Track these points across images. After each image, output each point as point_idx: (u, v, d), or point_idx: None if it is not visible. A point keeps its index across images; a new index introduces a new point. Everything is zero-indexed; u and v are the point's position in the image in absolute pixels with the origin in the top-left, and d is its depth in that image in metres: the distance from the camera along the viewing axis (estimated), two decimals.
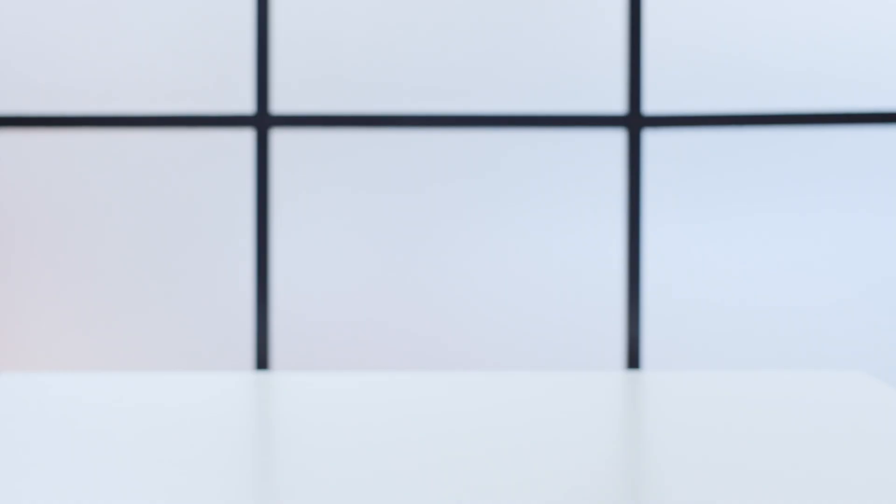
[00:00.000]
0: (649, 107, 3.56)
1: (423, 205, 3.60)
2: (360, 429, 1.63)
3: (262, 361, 3.57)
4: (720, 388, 1.94)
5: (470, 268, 3.60)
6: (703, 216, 3.58)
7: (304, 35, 3.60)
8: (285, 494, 1.28)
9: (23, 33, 3.60)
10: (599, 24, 3.58)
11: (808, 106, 3.56)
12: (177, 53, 3.60)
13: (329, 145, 3.57)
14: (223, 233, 3.58)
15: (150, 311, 3.59)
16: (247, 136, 3.58)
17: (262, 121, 3.56)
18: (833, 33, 3.57)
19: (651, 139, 3.56)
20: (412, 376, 2.07)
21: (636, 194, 3.54)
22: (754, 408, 1.78)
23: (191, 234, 3.56)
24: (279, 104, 3.59)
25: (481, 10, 3.60)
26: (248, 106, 3.58)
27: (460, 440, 1.55)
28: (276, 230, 3.57)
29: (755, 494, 1.26)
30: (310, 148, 3.56)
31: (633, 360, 3.57)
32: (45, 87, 3.60)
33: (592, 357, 3.60)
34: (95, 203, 3.55)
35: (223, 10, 3.60)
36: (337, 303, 3.60)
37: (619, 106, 3.57)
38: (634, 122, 3.54)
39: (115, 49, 3.60)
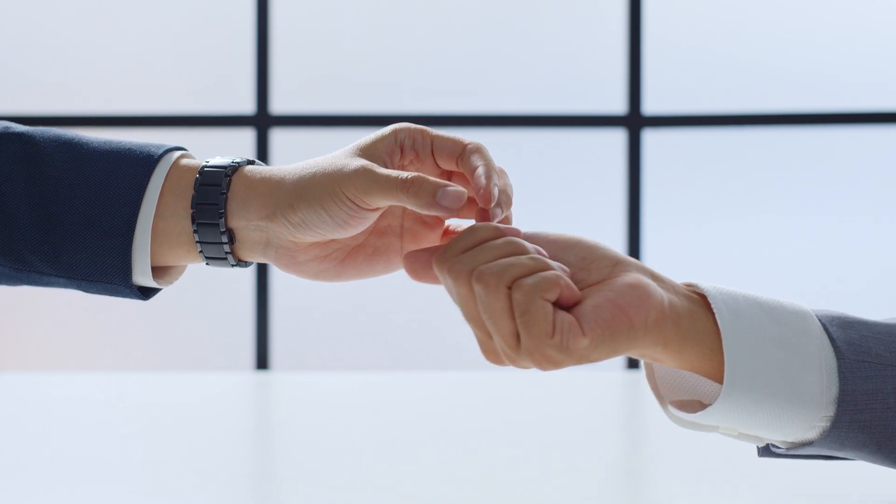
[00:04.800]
0: (649, 107, 3.56)
1: None
2: (359, 429, 1.63)
3: (262, 361, 3.57)
4: None
5: None
6: (704, 216, 3.58)
7: (304, 35, 3.60)
8: (285, 494, 1.28)
9: (23, 33, 3.60)
10: (599, 24, 3.59)
11: (808, 106, 3.56)
12: (177, 53, 3.61)
13: (329, 145, 3.57)
14: None
15: (149, 309, 3.59)
16: (247, 136, 3.58)
17: (262, 121, 3.57)
18: (833, 33, 3.57)
19: (651, 139, 3.57)
20: (412, 376, 2.07)
21: (636, 194, 3.55)
22: None
23: None
24: (279, 104, 3.59)
25: (481, 10, 3.60)
26: (248, 106, 3.58)
27: (460, 440, 1.55)
28: None
29: (756, 494, 1.26)
30: (309, 148, 3.56)
31: (633, 360, 3.57)
32: (45, 87, 3.60)
33: None
34: None
35: (223, 10, 3.60)
36: (337, 302, 3.60)
37: (619, 106, 3.57)
38: (634, 122, 3.54)
39: (115, 49, 3.60)
